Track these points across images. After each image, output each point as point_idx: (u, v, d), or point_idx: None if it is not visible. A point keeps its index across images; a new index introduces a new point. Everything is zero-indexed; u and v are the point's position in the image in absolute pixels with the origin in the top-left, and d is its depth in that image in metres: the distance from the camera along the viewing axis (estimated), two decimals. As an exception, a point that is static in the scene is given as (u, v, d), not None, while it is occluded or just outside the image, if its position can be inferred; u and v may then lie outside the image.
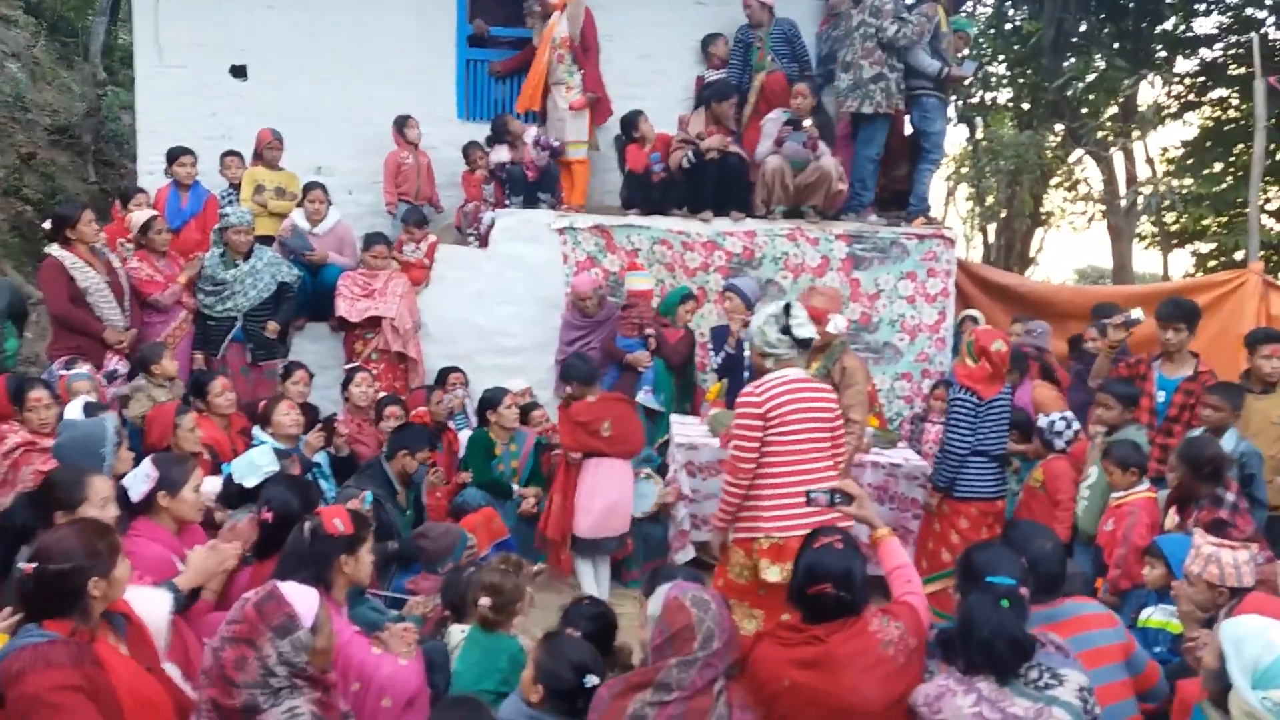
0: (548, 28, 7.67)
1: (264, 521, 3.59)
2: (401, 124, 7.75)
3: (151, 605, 2.95)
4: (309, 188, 7.29)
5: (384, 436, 5.58)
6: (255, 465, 4.16)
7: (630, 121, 7.54)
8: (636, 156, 7.54)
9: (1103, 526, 4.71)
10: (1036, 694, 2.56)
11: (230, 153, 7.66)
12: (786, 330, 3.99)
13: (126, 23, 11.61)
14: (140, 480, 3.50)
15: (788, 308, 4.02)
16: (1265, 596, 3.09)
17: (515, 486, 5.97)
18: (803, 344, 4.06)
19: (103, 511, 3.28)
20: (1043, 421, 5.46)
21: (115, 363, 5.90)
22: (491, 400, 6.09)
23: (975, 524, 5.19)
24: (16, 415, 4.56)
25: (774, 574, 3.91)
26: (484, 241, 7.58)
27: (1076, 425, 5.40)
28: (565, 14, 7.65)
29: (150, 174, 7.95)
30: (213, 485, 4.19)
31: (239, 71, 8.34)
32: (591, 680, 2.84)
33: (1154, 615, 3.88)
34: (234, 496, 4.17)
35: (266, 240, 7.08)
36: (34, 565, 2.57)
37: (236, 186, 7.57)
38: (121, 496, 3.51)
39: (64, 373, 5.00)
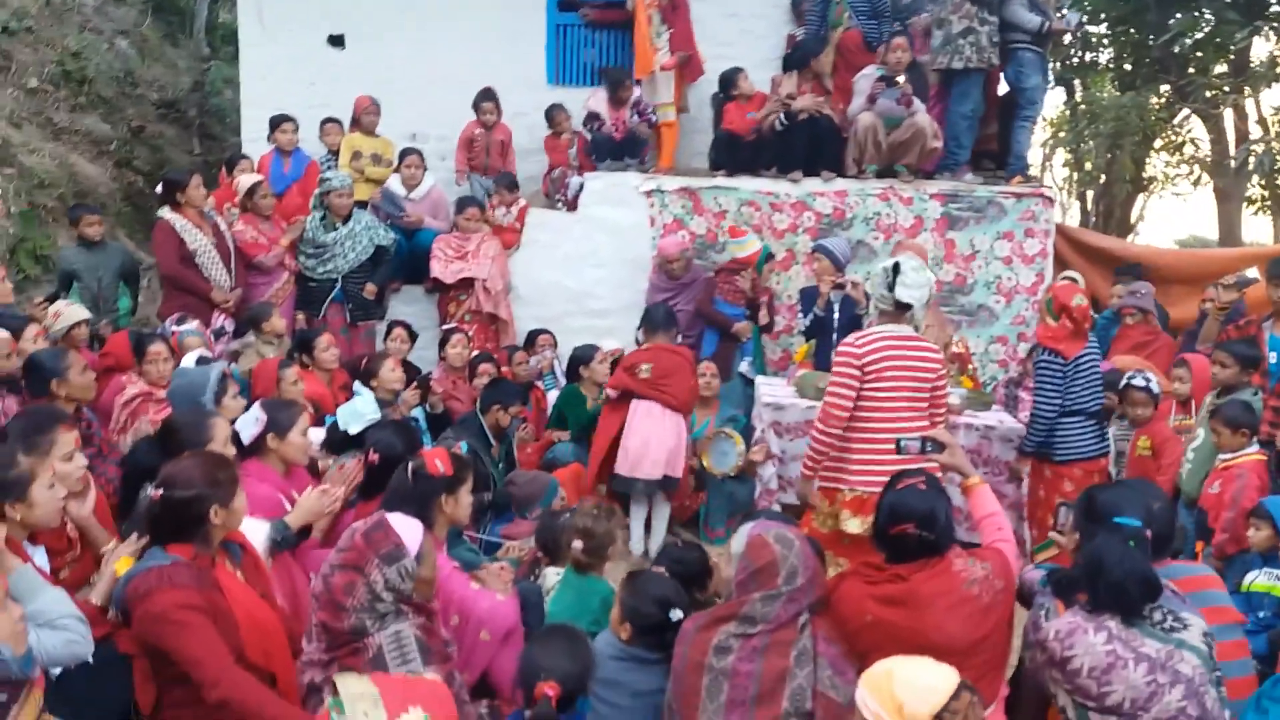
0: None
1: (369, 463, 3.73)
2: (477, 104, 7.73)
3: (251, 536, 3.09)
4: (405, 153, 7.43)
5: (478, 394, 5.70)
6: (359, 413, 4.32)
7: (729, 79, 7.47)
8: (736, 115, 7.48)
9: (1207, 489, 4.55)
10: (1165, 635, 2.53)
11: (329, 119, 7.87)
12: (890, 288, 4.00)
13: (229, 1, 11.98)
14: (250, 423, 3.67)
15: (896, 266, 4.03)
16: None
17: None
18: (902, 306, 4.03)
19: (224, 450, 3.46)
20: (1138, 381, 5.25)
21: (222, 320, 6.17)
22: (583, 357, 6.19)
23: (1080, 485, 5.04)
24: (136, 368, 4.82)
25: (854, 525, 3.94)
26: (571, 206, 7.64)
27: (1156, 385, 5.19)
28: None
29: (254, 142, 8.22)
30: (317, 435, 4.36)
31: (336, 41, 8.57)
32: (676, 614, 2.89)
33: (1259, 579, 3.77)
34: (338, 443, 4.34)
35: (364, 205, 7.26)
36: (160, 491, 2.72)
37: (335, 153, 7.79)
38: (234, 439, 3.69)
39: (176, 329, 5.24)
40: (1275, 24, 12.57)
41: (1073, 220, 19.09)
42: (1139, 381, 5.17)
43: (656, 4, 7.59)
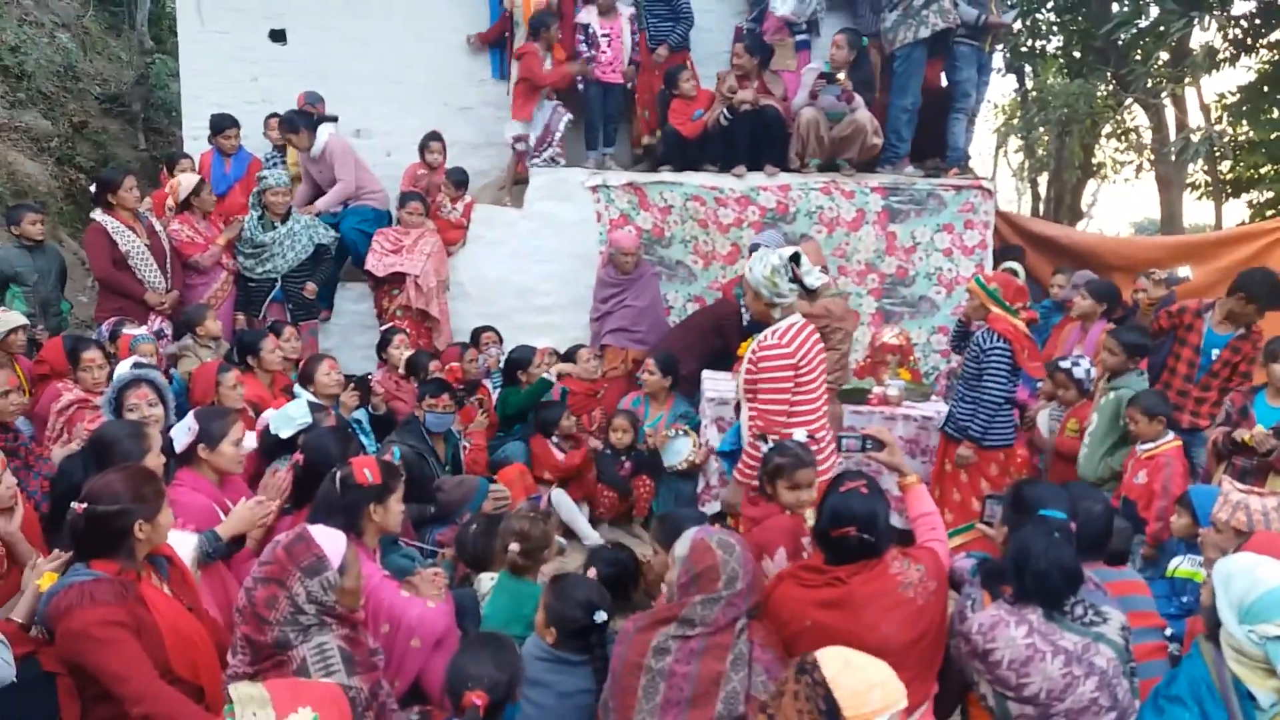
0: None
1: (298, 468, 3.73)
2: (424, 145, 7.67)
3: (180, 547, 3.09)
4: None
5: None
6: (290, 417, 4.30)
7: (673, 77, 7.48)
8: (681, 112, 7.51)
9: (1131, 478, 4.67)
10: (1083, 629, 2.63)
11: (274, 115, 7.78)
12: (795, 279, 3.99)
13: (172, -10, 11.78)
14: (183, 433, 3.66)
15: (795, 257, 4.01)
16: (1271, 535, 3.10)
17: None
18: (811, 293, 4.07)
19: (154, 460, 3.45)
20: (1064, 364, 5.42)
21: (159, 323, 6.10)
22: (521, 360, 6.12)
23: (1003, 470, 5.23)
24: (71, 374, 4.77)
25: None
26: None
27: (1082, 371, 5.36)
28: None
29: (195, 139, 8.11)
30: (251, 441, 4.34)
31: (278, 36, 8.45)
32: (600, 616, 2.93)
33: (1182, 565, 3.88)
34: (270, 447, 4.33)
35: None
36: (84, 506, 2.72)
37: (281, 148, 7.72)
38: (167, 447, 3.68)
39: (129, 332, 5.18)
40: (1215, 15, 12.81)
41: (1025, 206, 19.37)
42: (1064, 364, 5.35)
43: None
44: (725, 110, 7.29)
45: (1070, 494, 3.31)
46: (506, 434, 6.07)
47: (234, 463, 3.78)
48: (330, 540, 2.75)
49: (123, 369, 4.57)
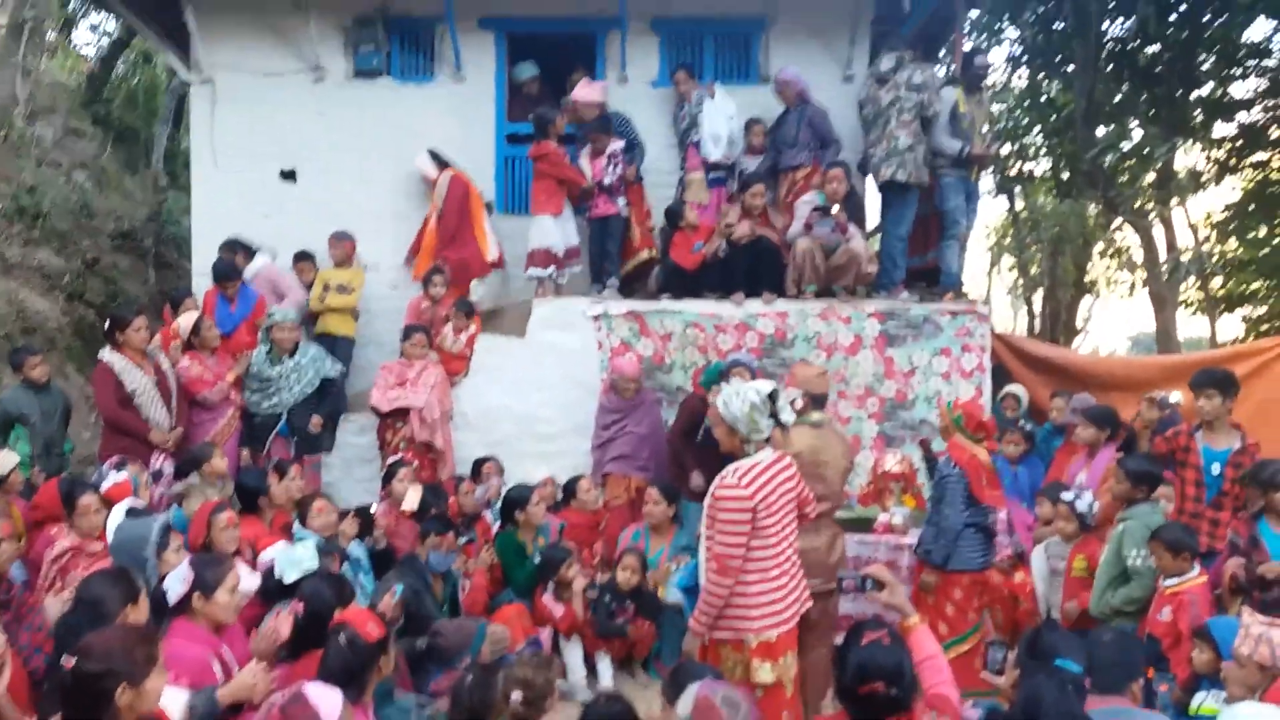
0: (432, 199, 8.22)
1: (298, 617, 3.67)
2: (427, 279, 7.83)
3: (168, 707, 3.02)
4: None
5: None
6: (297, 560, 4.26)
7: (675, 212, 7.70)
8: (682, 245, 7.69)
9: (1155, 615, 4.53)
10: None
11: (302, 256, 8.14)
12: (774, 416, 3.86)
13: (189, 127, 12.21)
14: (177, 582, 3.61)
15: (774, 395, 3.87)
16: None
17: None
18: (786, 427, 3.95)
19: (140, 610, 3.40)
20: (1067, 495, 5.32)
21: (161, 462, 6.10)
22: (518, 499, 5.95)
23: (969, 594, 5.18)
24: (67, 519, 4.71)
25: (766, 673, 3.74)
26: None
27: (1084, 504, 5.25)
28: (435, 187, 8.14)
29: (204, 275, 8.25)
30: (251, 582, 4.30)
31: (289, 175, 8.74)
32: None
33: (1206, 701, 3.77)
34: (273, 591, 4.27)
35: (329, 337, 7.59)
36: (74, 661, 2.67)
37: (309, 284, 8.01)
38: (162, 597, 3.62)
39: (116, 479, 5.15)
40: (1198, 137, 13.22)
41: (1021, 323, 19.57)
42: (1067, 496, 5.26)
43: (435, 211, 8.03)
44: (725, 242, 7.45)
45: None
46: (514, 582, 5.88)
47: (230, 612, 3.72)
48: (328, 700, 2.69)
49: (117, 514, 4.55)
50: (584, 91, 8.03)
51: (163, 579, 3.79)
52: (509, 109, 8.86)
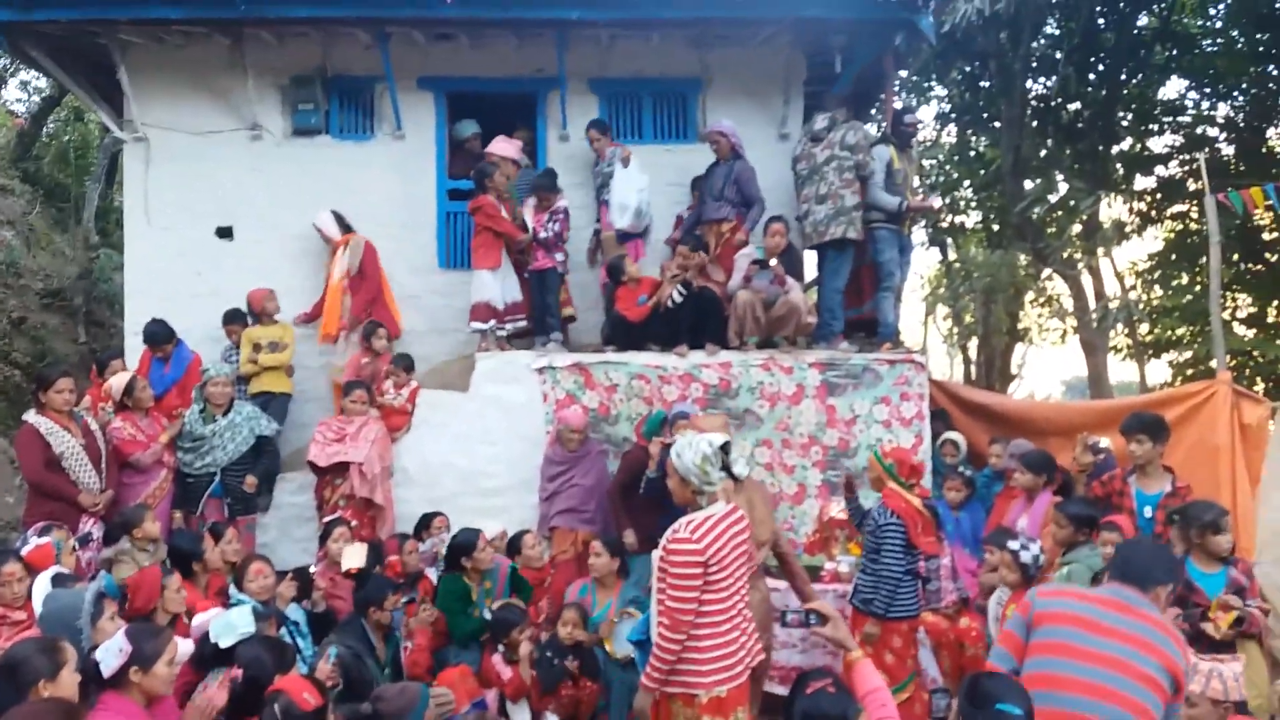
0: (330, 262, 8.09)
1: (234, 681, 3.55)
2: (370, 333, 7.76)
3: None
4: None
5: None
6: (232, 625, 4.13)
7: (616, 267, 7.77)
8: (627, 298, 7.75)
9: None
10: None
11: (233, 317, 7.92)
12: (725, 468, 3.85)
13: (121, 185, 12.03)
14: (112, 654, 3.45)
15: (726, 447, 3.87)
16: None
17: None
18: (738, 480, 3.96)
19: (70, 682, 3.25)
20: (1013, 545, 5.21)
21: (90, 526, 5.90)
22: (465, 544, 5.78)
23: (906, 641, 5.21)
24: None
25: None
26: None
27: (1029, 555, 5.14)
28: (347, 248, 8.00)
29: (136, 335, 8.09)
30: (185, 648, 4.15)
31: (225, 232, 8.64)
32: None
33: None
34: (208, 657, 4.13)
35: (266, 395, 7.38)
36: None
37: (236, 345, 7.81)
38: (94, 669, 3.48)
39: (37, 542, 4.96)
40: (1120, 190, 13.76)
41: (957, 371, 19.97)
42: (1012, 546, 5.26)
43: (349, 275, 7.96)
44: (680, 288, 7.52)
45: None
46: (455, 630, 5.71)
47: (167, 684, 3.57)
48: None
49: (43, 582, 4.39)
50: (500, 146, 8.09)
51: (94, 649, 3.65)
52: (450, 165, 8.89)
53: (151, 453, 6.44)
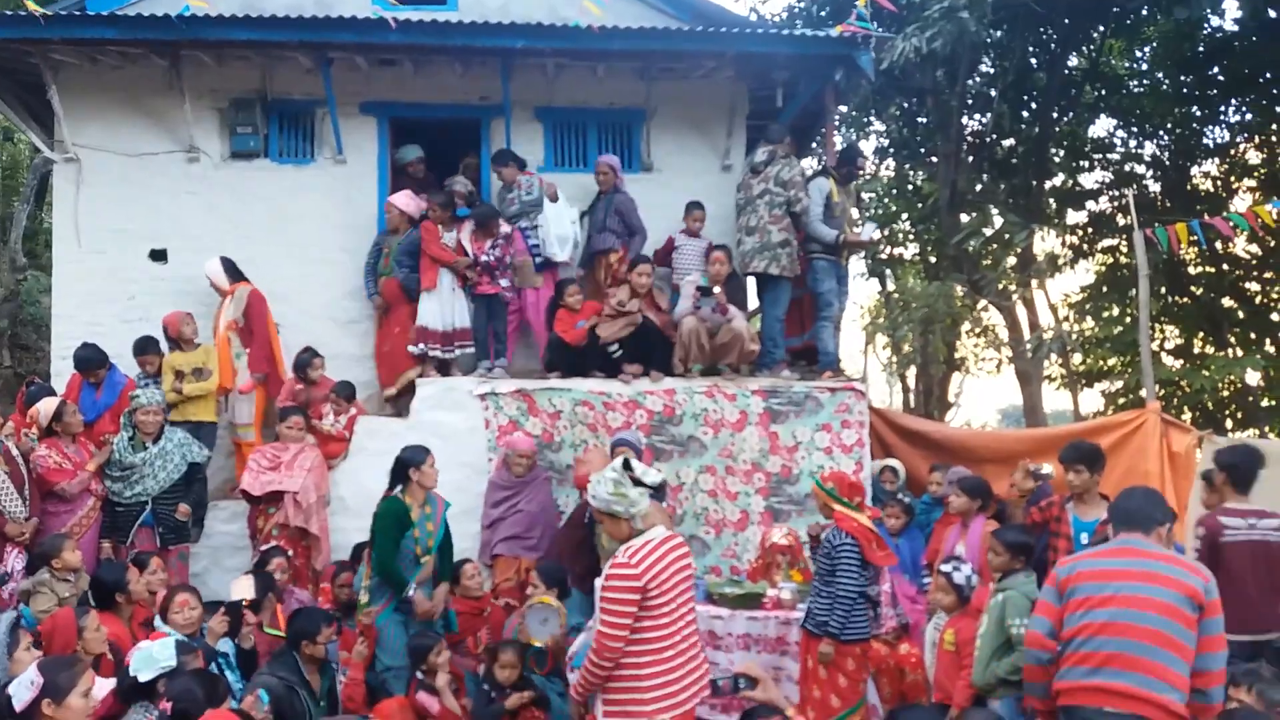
0: (218, 310, 7.84)
1: (163, 714, 3.44)
2: (306, 362, 7.65)
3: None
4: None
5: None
6: (152, 659, 4.00)
7: (561, 288, 7.77)
8: (566, 322, 7.73)
9: None
10: None
11: (146, 349, 7.45)
12: (638, 482, 3.82)
13: (51, 207, 11.72)
14: (24, 687, 3.33)
15: (626, 463, 3.85)
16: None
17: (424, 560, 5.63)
18: (657, 490, 3.94)
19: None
20: (945, 568, 5.33)
21: (13, 557, 5.68)
22: (413, 459, 5.58)
23: (860, 664, 5.22)
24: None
25: None
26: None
27: (962, 577, 5.26)
28: (233, 298, 7.78)
29: (64, 358, 7.85)
30: (105, 686, 4.00)
31: (159, 255, 8.45)
32: None
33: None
34: (129, 691, 3.98)
35: (196, 424, 7.16)
36: None
37: (154, 376, 7.41)
38: (5, 703, 3.34)
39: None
40: (1052, 224, 14.15)
41: (896, 399, 20.26)
42: (945, 568, 5.32)
43: (234, 328, 7.74)
44: (641, 322, 7.59)
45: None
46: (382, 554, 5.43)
47: (82, 717, 3.44)
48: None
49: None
50: (401, 200, 8.05)
51: (9, 681, 3.51)
52: (392, 190, 8.81)
53: (78, 481, 6.25)
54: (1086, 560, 3.84)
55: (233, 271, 7.92)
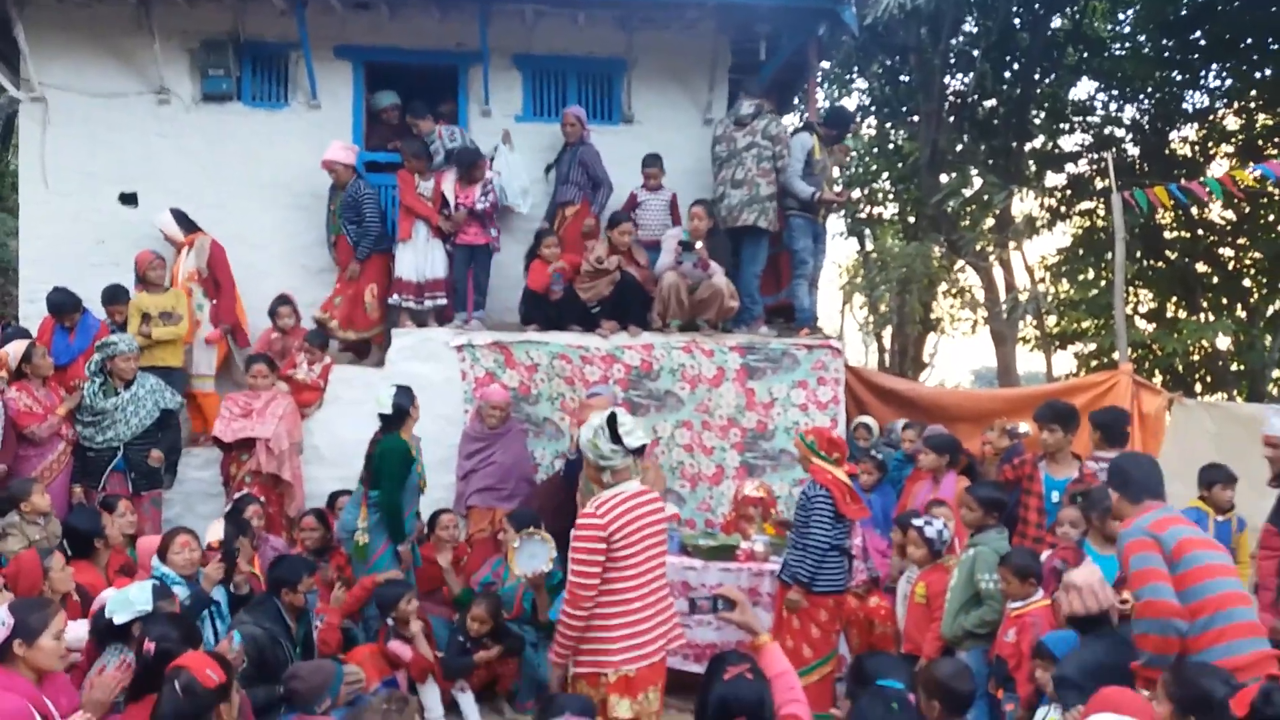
0: (175, 263, 7.67)
1: (144, 655, 3.44)
2: (274, 310, 7.59)
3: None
4: None
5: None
6: (129, 602, 3.98)
7: (539, 238, 7.70)
8: (537, 274, 7.67)
9: (1002, 636, 4.65)
10: None
11: (114, 296, 7.32)
12: (618, 440, 3.85)
13: (17, 147, 11.45)
14: (-5, 627, 3.32)
15: (613, 417, 3.89)
16: (1119, 691, 3.18)
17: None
18: (636, 452, 3.94)
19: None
20: (917, 521, 5.42)
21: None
22: (409, 399, 5.84)
23: (833, 616, 5.33)
24: None
25: (625, 709, 3.72)
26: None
27: (935, 531, 5.34)
28: (193, 248, 7.65)
29: (32, 302, 7.74)
30: (79, 630, 3.99)
31: (129, 199, 8.29)
32: None
33: (1047, 717, 3.93)
34: (103, 632, 3.97)
35: (167, 369, 7.03)
36: None
37: (121, 325, 7.26)
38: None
39: None
40: (1031, 186, 14.17)
41: (872, 358, 20.37)
42: (916, 522, 5.41)
43: (196, 279, 7.62)
44: (620, 280, 7.54)
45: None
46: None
47: (54, 658, 3.44)
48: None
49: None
50: (338, 154, 7.87)
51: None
52: (367, 136, 8.67)
53: (48, 425, 6.17)
54: (1181, 527, 3.88)
55: (185, 222, 7.77)
